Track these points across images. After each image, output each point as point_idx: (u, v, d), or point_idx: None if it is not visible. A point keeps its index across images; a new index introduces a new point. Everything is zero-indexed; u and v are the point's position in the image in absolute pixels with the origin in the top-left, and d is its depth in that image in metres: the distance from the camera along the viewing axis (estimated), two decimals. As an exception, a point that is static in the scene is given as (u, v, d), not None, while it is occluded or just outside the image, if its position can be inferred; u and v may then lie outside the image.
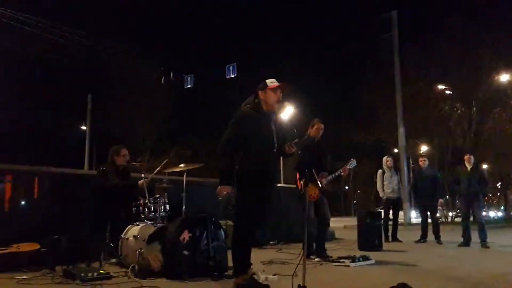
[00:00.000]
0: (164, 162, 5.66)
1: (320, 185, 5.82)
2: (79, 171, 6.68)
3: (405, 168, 18.32)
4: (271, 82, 3.87)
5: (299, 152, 5.38)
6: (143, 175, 5.50)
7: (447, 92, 24.93)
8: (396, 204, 9.52)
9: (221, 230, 4.69)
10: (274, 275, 4.28)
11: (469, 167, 8.36)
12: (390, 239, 9.22)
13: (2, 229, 5.16)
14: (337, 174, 6.14)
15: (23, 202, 5.49)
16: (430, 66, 23.56)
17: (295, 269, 3.43)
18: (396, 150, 24.81)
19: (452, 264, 5.78)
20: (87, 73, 28.30)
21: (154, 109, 32.51)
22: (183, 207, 5.42)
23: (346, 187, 58.49)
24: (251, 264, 3.76)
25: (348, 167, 6.23)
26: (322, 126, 6.15)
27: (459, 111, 26.92)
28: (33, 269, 4.65)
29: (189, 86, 24.56)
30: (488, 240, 8.00)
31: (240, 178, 3.66)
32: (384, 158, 9.72)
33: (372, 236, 7.42)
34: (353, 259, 5.50)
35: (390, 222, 9.46)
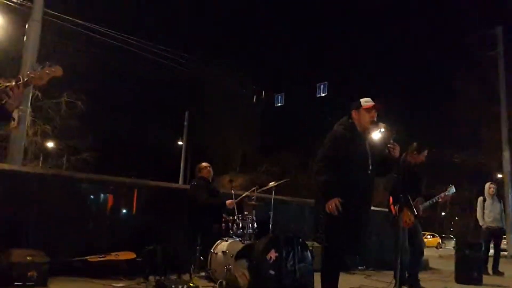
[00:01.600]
0: (252, 189, 5.75)
1: (415, 212, 5.54)
2: (174, 185, 6.98)
3: (510, 196, 16.78)
4: (366, 102, 3.78)
5: (395, 174, 5.19)
6: (233, 194, 5.61)
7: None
8: (497, 235, 8.78)
9: (308, 251, 4.63)
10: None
11: None
12: (490, 272, 8.50)
13: (103, 237, 5.51)
14: (434, 200, 5.81)
15: (122, 213, 5.83)
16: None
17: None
18: (499, 176, 22.99)
19: None
20: (185, 90, 29.70)
21: (245, 126, 33.39)
22: (270, 225, 5.49)
23: (443, 213, 54.98)
24: None
25: (446, 193, 5.86)
26: (426, 153, 5.83)
27: None
28: (129, 277, 4.93)
29: (279, 104, 24.87)
30: None
31: (329, 199, 3.55)
32: (487, 185, 9.03)
33: (471, 269, 6.85)
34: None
35: (491, 254, 8.72)
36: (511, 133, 17.42)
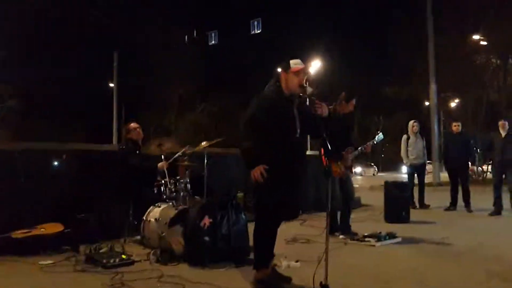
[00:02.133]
0: (184, 149, 5.55)
1: (346, 162, 5.65)
2: (102, 147, 6.60)
3: (436, 126, 17.75)
4: (295, 64, 3.60)
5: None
6: (163, 157, 5.40)
7: (482, 43, 23.76)
8: (421, 170, 9.28)
9: (242, 213, 4.59)
10: (297, 261, 4.20)
11: (503, 133, 7.99)
12: (417, 205, 9.07)
13: (26, 210, 5.18)
14: (363, 148, 5.95)
15: (47, 180, 5.47)
16: (464, 18, 22.33)
17: (321, 258, 3.25)
18: (427, 103, 24.14)
19: (483, 240, 5.57)
20: (112, 31, 28.00)
21: (180, 66, 32.37)
22: (205, 187, 5.40)
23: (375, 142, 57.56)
24: (273, 256, 3.65)
25: (375, 141, 6.02)
26: (354, 101, 5.85)
27: (494, 63, 25.75)
28: (58, 252, 4.71)
29: (213, 42, 24.22)
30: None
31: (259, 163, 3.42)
32: (410, 123, 9.41)
33: (399, 208, 7.24)
34: (379, 238, 5.36)
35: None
36: (438, 66, 18.15)
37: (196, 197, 5.48)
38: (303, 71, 3.63)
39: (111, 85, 33.86)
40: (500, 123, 8.08)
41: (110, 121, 32.40)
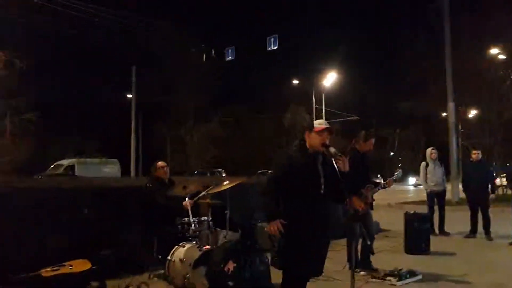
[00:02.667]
0: (209, 188, 5.66)
1: (366, 199, 5.72)
2: (129, 183, 6.76)
3: (454, 143, 17.63)
4: (318, 124, 3.74)
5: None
6: (187, 198, 5.51)
7: (501, 56, 23.55)
8: (441, 197, 9.26)
9: (264, 255, 4.67)
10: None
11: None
12: (437, 231, 9.05)
13: (52, 246, 5.32)
14: (382, 186, 6.00)
15: (74, 217, 5.63)
16: (482, 33, 22.18)
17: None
18: (444, 114, 24.00)
19: (504, 280, 5.55)
20: (130, 48, 28.49)
21: (196, 81, 32.81)
22: (227, 224, 5.51)
23: (391, 153, 57.45)
24: None
25: (394, 178, 6.08)
26: (373, 141, 5.92)
27: (512, 77, 25.44)
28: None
29: (229, 58, 24.47)
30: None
31: (284, 222, 3.55)
32: (428, 150, 9.42)
33: (419, 240, 7.26)
34: (400, 276, 5.40)
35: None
36: (454, 80, 18.04)
37: (218, 229, 5.60)
38: (327, 131, 3.72)
39: (129, 96, 34.47)
40: None
41: (127, 132, 32.88)
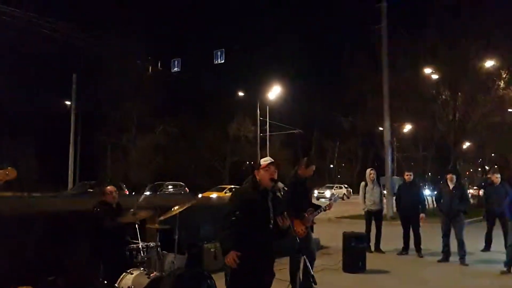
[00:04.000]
0: (154, 212, 5.73)
1: (307, 222, 6.03)
2: (76, 208, 6.67)
3: (390, 162, 18.61)
4: (264, 161, 4.01)
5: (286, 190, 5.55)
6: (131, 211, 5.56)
7: (434, 76, 25.15)
8: (377, 216, 9.82)
9: (213, 280, 4.85)
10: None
11: (451, 186, 8.65)
12: (372, 249, 9.58)
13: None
14: (323, 209, 6.33)
15: (18, 242, 5.52)
16: (418, 55, 23.68)
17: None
18: (380, 128, 25.30)
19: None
20: (72, 55, 27.78)
21: (140, 90, 32.44)
22: (175, 248, 5.62)
23: (331, 165, 59.32)
24: None
25: (333, 201, 6.46)
26: (314, 168, 6.27)
27: (444, 95, 27.21)
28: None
29: (176, 69, 24.42)
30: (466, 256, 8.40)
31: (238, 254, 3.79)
32: (368, 171, 9.97)
33: (356, 259, 7.69)
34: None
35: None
36: (392, 102, 19.10)
37: (165, 252, 5.69)
38: (272, 165, 4.00)
39: (68, 102, 33.41)
40: (448, 176, 8.77)
41: (65, 140, 31.82)
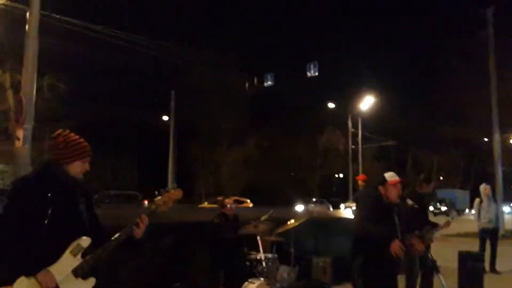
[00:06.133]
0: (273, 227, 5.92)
1: (426, 240, 5.87)
2: (199, 219, 7.10)
3: (500, 176, 17.34)
4: (390, 177, 4.01)
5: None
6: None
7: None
8: (493, 234, 9.24)
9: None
10: None
11: None
12: (487, 269, 9.00)
13: (130, 278, 5.66)
14: (440, 227, 6.13)
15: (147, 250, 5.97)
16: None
17: None
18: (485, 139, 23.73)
19: None
20: (170, 71, 29.61)
21: (234, 105, 33.57)
22: (292, 260, 5.77)
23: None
24: None
25: (451, 220, 6.23)
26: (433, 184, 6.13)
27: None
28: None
29: (269, 83, 24.84)
30: None
31: (366, 271, 3.92)
32: (482, 187, 9.43)
33: (473, 280, 7.29)
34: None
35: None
36: (502, 115, 17.80)
37: (283, 266, 5.86)
38: (400, 183, 4.02)
39: (165, 118, 35.43)
40: None
41: (162, 153, 33.68)
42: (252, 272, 5.60)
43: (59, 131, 2.84)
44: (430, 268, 6.08)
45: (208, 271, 5.96)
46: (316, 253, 7.61)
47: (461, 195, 43.95)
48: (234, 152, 40.68)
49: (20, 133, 8.75)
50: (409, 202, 4.02)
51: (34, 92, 9.15)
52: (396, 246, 3.78)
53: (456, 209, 35.24)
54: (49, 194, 2.64)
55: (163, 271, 5.87)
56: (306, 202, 29.51)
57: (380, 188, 4.05)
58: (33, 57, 8.96)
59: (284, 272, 5.70)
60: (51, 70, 21.74)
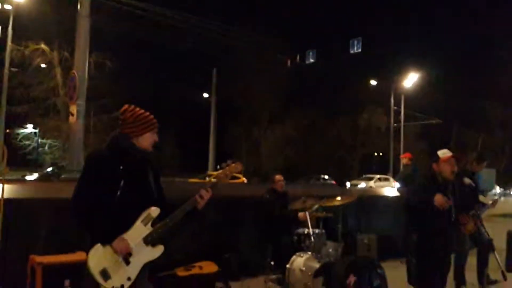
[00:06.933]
0: (321, 201, 6.01)
1: (477, 220, 5.82)
2: (245, 194, 7.27)
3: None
4: (443, 154, 4.00)
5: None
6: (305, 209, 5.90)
7: None
8: None
9: (382, 270, 4.97)
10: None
11: None
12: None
13: (181, 248, 5.90)
14: (488, 207, 6.07)
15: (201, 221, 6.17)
16: None
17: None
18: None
19: None
20: (212, 48, 29.76)
21: (274, 82, 33.45)
22: (339, 236, 5.86)
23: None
24: None
25: (498, 199, 6.16)
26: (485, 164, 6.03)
27: None
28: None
29: (311, 60, 24.69)
30: None
31: (420, 249, 3.96)
32: None
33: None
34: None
35: None
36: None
37: (329, 241, 5.96)
38: (454, 158, 4.00)
39: (205, 95, 35.84)
40: None
41: (203, 131, 34.19)
42: (300, 246, 5.73)
43: (125, 106, 2.97)
44: (486, 246, 6.05)
45: (257, 245, 6.15)
46: (360, 230, 7.69)
47: (486, 174, 42.27)
48: (274, 131, 40.71)
49: (73, 109, 9.13)
50: (467, 180, 4.00)
51: (86, 69, 9.49)
52: (439, 199, 3.76)
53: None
54: (121, 167, 2.80)
55: (214, 242, 6.09)
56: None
57: (434, 165, 4.04)
58: (85, 36, 9.27)
59: (330, 247, 5.79)
60: (97, 48, 22.35)
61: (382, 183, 28.14)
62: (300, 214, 5.88)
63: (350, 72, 33.16)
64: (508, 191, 38.74)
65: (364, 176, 31.24)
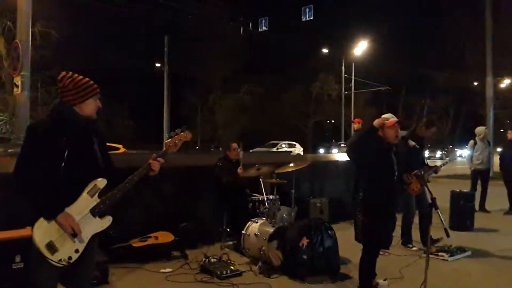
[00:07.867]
0: (273, 170, 6.12)
1: (423, 180, 6.12)
2: (203, 162, 7.26)
3: (491, 120, 17.61)
4: (387, 119, 4.15)
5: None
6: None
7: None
8: (484, 176, 9.58)
9: (333, 231, 5.19)
10: (385, 280, 4.76)
11: None
12: (477, 208, 9.41)
13: (137, 219, 5.91)
14: (434, 171, 6.37)
15: (152, 192, 6.19)
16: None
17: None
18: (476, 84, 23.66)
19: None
20: (163, 18, 28.86)
21: (227, 50, 33.07)
22: (292, 201, 6.04)
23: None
24: (375, 274, 4.39)
25: (449, 160, 6.47)
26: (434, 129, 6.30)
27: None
28: (169, 258, 5.50)
29: (264, 28, 24.53)
30: None
31: (366, 204, 4.10)
32: (480, 129, 9.68)
33: (464, 217, 7.67)
34: (451, 252, 5.87)
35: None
36: (495, 59, 17.84)
37: (283, 206, 6.13)
38: (398, 124, 4.18)
39: (158, 65, 35.01)
40: None
41: (157, 100, 33.54)
42: (255, 212, 5.88)
43: (63, 73, 2.80)
44: (429, 206, 6.39)
45: (214, 213, 6.24)
46: (313, 194, 7.92)
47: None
48: (228, 99, 40.58)
49: (18, 80, 8.72)
50: (411, 143, 4.20)
51: (30, 38, 9.04)
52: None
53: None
54: (64, 138, 2.67)
55: (171, 212, 6.13)
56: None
57: (379, 131, 4.20)
58: (27, 2, 8.79)
59: (284, 212, 5.97)
60: (42, 17, 21.22)
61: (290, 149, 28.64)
62: (239, 170, 5.99)
63: (302, 40, 33.27)
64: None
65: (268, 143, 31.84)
